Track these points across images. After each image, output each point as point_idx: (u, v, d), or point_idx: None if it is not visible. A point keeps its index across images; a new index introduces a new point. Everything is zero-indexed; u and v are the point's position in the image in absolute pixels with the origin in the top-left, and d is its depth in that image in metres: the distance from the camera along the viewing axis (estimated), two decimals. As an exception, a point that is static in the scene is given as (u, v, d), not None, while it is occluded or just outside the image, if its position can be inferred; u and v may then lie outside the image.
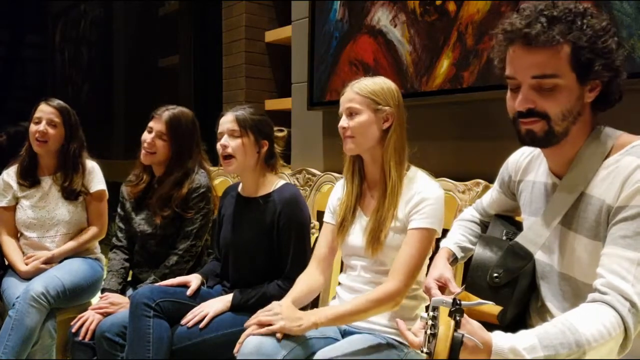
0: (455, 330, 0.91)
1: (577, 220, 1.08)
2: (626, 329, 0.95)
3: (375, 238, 1.53)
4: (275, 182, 1.88)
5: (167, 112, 2.06)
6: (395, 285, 1.47)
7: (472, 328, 0.94)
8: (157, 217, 2.04)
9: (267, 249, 1.82)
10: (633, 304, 0.95)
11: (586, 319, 0.94)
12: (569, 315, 0.97)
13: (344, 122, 1.57)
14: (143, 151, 2.05)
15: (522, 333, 0.95)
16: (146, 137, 2.04)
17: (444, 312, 0.94)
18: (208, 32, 4.07)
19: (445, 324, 0.91)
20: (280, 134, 1.93)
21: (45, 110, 2.23)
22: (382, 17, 2.17)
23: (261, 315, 1.49)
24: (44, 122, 2.21)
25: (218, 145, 1.83)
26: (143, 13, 5.19)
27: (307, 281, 1.66)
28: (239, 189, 1.95)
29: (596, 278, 1.00)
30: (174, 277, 1.96)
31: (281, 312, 1.47)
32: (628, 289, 0.95)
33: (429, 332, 0.92)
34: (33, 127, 2.22)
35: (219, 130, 1.84)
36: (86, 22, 6.17)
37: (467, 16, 1.87)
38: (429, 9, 2.00)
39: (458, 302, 0.94)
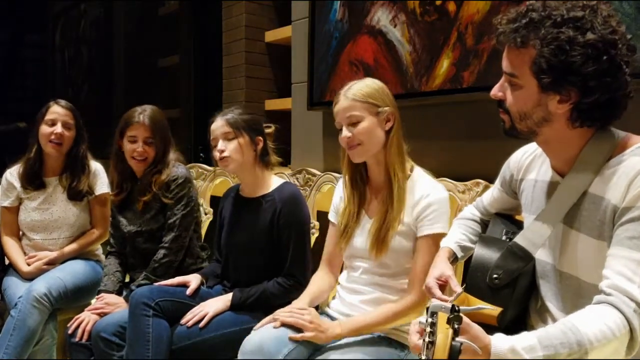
0: (453, 338, 0.90)
1: (580, 219, 1.08)
2: (632, 330, 0.94)
3: (380, 240, 1.51)
4: (274, 182, 1.89)
5: (143, 116, 2.03)
6: (417, 296, 1.48)
7: (474, 333, 0.93)
8: (139, 203, 2.04)
9: (268, 248, 1.83)
10: (639, 305, 0.94)
11: (589, 320, 0.94)
12: (571, 317, 0.96)
13: (346, 132, 1.52)
14: (134, 161, 2.04)
15: (523, 334, 0.94)
16: (134, 146, 2.02)
17: (442, 318, 0.92)
18: (208, 32, 4.06)
19: (444, 332, 0.90)
20: (268, 130, 1.94)
21: (59, 112, 2.21)
22: (382, 17, 2.17)
23: (296, 314, 1.49)
24: (59, 124, 2.19)
25: (215, 152, 1.83)
26: (143, 13, 5.18)
27: (318, 283, 1.69)
28: (239, 190, 1.95)
29: (600, 278, 1.00)
30: (165, 270, 1.98)
31: (311, 319, 1.48)
32: (634, 290, 0.94)
33: (427, 339, 0.90)
34: (47, 129, 2.19)
35: (212, 137, 1.84)
36: (86, 22, 6.17)
37: (467, 16, 1.87)
38: (429, 9, 2.00)
39: (457, 308, 0.92)
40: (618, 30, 1.01)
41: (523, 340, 0.92)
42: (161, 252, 2.02)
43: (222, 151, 1.81)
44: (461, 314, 0.92)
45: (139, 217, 2.08)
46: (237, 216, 1.91)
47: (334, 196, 1.76)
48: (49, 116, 2.20)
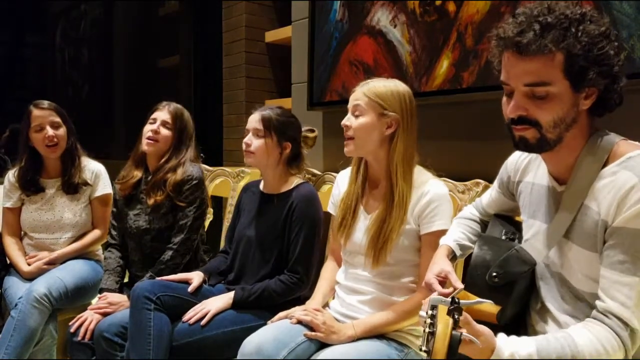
0: (453, 328, 0.91)
1: (574, 229, 1.09)
2: (626, 351, 0.98)
3: (376, 251, 1.53)
4: (295, 181, 1.91)
5: (169, 105, 2.11)
6: (427, 294, 1.47)
7: (477, 330, 0.95)
8: (151, 199, 2.03)
9: (279, 245, 1.85)
10: (633, 330, 0.98)
11: (587, 338, 0.98)
12: (572, 332, 1.00)
13: (347, 119, 1.56)
14: (145, 140, 2.05)
15: (524, 340, 0.97)
16: (149, 127, 2.06)
17: (442, 310, 0.94)
18: (208, 32, 4.06)
19: (444, 323, 0.92)
20: (310, 135, 1.97)
21: (43, 115, 2.19)
22: (382, 17, 2.18)
23: (310, 314, 1.53)
24: (48, 127, 2.18)
25: (243, 142, 1.89)
26: (143, 13, 5.18)
27: (328, 276, 1.75)
28: (261, 185, 1.98)
29: (594, 286, 1.02)
30: (171, 272, 1.96)
31: (325, 320, 1.52)
32: (629, 314, 0.98)
33: (427, 330, 0.92)
34: (38, 136, 2.18)
35: (247, 127, 1.90)
36: (86, 22, 6.17)
37: (467, 16, 1.88)
38: (428, 9, 2.00)
39: (457, 300, 0.94)
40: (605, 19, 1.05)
41: (524, 348, 0.95)
42: (169, 253, 2.01)
43: (248, 144, 1.87)
44: (461, 306, 0.94)
45: (148, 213, 2.07)
46: (256, 210, 1.94)
47: (333, 188, 1.78)
48: (34, 122, 2.18)
